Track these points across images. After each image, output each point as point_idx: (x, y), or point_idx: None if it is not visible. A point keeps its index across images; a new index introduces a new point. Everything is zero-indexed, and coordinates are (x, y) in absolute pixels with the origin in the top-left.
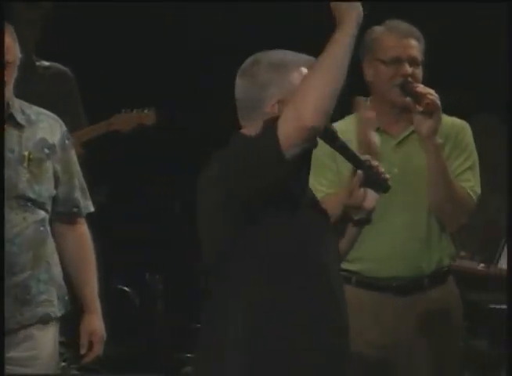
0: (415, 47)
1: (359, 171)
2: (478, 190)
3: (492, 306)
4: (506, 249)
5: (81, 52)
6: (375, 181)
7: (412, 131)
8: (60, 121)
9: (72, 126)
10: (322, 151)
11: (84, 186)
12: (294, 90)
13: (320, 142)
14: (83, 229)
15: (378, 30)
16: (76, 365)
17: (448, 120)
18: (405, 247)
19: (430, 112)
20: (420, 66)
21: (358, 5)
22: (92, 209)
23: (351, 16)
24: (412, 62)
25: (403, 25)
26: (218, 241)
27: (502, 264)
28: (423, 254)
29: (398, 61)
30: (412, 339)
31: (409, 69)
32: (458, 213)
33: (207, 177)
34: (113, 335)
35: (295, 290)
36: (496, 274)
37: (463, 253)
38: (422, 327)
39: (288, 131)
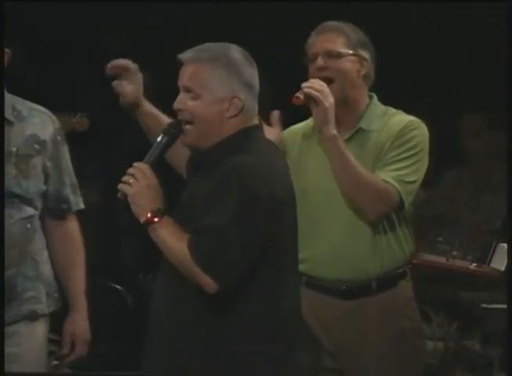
0: (332, 40)
1: None
2: (410, 178)
3: (484, 306)
4: (501, 249)
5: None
6: None
7: (356, 131)
8: (53, 117)
9: None
10: None
11: (75, 182)
12: None
13: None
14: (72, 225)
15: (312, 33)
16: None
17: (399, 118)
18: (347, 249)
19: (310, 103)
20: (346, 58)
21: None
22: (82, 206)
23: None
24: (328, 54)
25: (328, 23)
26: None
27: (495, 264)
28: (368, 257)
29: (316, 57)
30: (358, 344)
31: (320, 62)
32: (370, 201)
33: None
34: (106, 333)
35: None
36: (488, 274)
37: (455, 252)
38: (368, 331)
39: None
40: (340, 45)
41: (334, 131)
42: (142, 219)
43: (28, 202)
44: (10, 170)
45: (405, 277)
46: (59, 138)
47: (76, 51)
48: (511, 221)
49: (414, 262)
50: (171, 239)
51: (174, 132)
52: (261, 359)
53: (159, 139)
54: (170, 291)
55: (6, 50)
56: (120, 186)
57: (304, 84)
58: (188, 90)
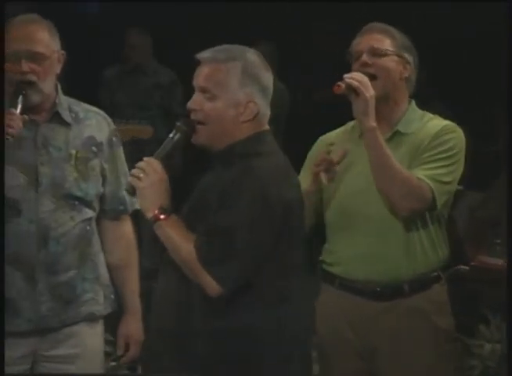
0: (378, 39)
1: None
2: (444, 178)
3: None
4: None
5: None
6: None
7: (394, 134)
8: (109, 119)
9: None
10: None
11: None
12: None
13: None
14: (126, 226)
15: (358, 33)
16: (126, 364)
17: (436, 122)
18: (380, 250)
19: (351, 94)
20: (390, 58)
21: None
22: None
23: None
24: (373, 52)
25: (376, 24)
26: None
27: None
28: (401, 259)
29: (360, 55)
30: (389, 345)
31: (365, 58)
32: (402, 196)
33: None
34: None
35: None
36: None
37: None
38: (400, 333)
39: None
40: (386, 45)
41: (374, 123)
42: (149, 215)
43: (88, 204)
44: (71, 172)
45: (438, 281)
46: (114, 139)
47: (77, 52)
48: (511, 221)
49: (472, 264)
50: (177, 238)
51: (185, 130)
52: (263, 360)
53: (171, 135)
54: (174, 291)
55: (61, 51)
56: (128, 179)
57: (345, 75)
58: (204, 90)
